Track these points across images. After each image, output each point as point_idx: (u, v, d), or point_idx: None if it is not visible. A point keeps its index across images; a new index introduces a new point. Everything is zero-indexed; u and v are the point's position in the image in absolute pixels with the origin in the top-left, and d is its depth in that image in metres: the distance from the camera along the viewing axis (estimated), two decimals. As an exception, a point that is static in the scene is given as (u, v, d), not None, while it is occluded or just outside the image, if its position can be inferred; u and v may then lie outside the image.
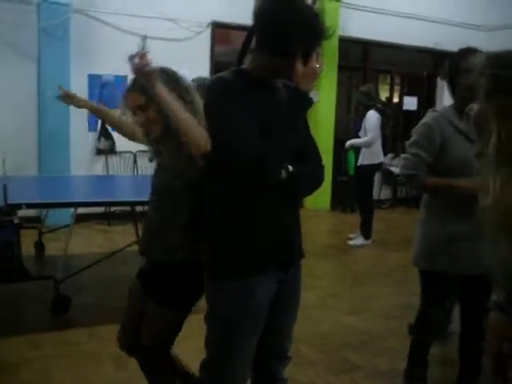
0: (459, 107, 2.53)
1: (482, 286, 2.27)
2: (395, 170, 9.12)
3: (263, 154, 1.72)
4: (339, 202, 8.61)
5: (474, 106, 1.27)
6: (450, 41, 9.16)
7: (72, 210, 6.03)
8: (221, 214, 1.89)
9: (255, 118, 1.77)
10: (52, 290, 4.01)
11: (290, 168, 1.86)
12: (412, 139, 2.61)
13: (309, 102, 1.87)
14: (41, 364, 3.23)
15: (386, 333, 3.92)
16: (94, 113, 2.75)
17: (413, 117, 9.90)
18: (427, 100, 10.05)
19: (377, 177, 7.16)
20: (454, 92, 2.60)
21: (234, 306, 1.88)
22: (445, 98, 9.84)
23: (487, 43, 8.66)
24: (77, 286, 4.31)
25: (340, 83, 8.71)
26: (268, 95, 1.90)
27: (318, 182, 2.05)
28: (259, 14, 1.85)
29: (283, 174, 1.84)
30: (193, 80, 4.96)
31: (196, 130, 1.82)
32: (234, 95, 1.79)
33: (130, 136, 2.57)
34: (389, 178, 9.11)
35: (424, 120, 2.63)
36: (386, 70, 9.74)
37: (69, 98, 2.72)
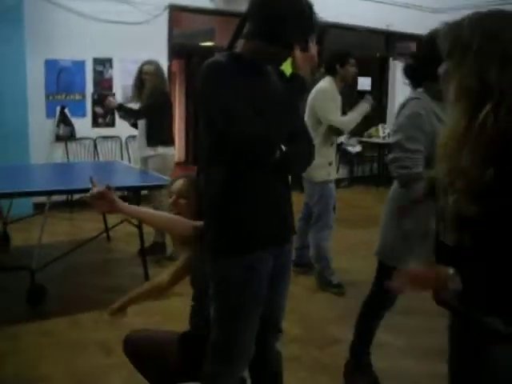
0: (436, 93, 2.23)
1: None
2: (352, 149, 9.34)
3: (260, 135, 1.79)
4: (298, 182, 8.72)
5: (442, 67, 1.49)
6: (401, 22, 9.40)
7: (31, 199, 5.96)
8: (221, 195, 1.94)
9: (252, 100, 1.82)
10: (24, 281, 3.95)
11: (284, 148, 1.94)
12: (405, 134, 2.42)
13: (306, 87, 1.95)
14: (26, 356, 3.21)
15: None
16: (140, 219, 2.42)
17: (367, 97, 10.14)
18: (380, 80, 10.28)
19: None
20: (428, 77, 2.41)
21: (237, 281, 1.95)
22: (397, 79, 10.10)
23: (436, 25, 8.90)
24: (50, 276, 4.27)
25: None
26: (262, 79, 1.98)
27: (308, 160, 2.15)
28: (256, 3, 1.91)
29: (277, 153, 1.92)
30: (144, 63, 4.97)
31: (174, 226, 2.20)
32: (230, 78, 1.84)
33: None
34: (345, 157, 9.30)
35: (412, 109, 2.45)
36: (340, 51, 9.86)
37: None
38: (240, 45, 2.01)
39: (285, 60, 1.99)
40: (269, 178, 1.96)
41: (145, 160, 5.13)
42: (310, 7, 1.91)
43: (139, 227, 4.55)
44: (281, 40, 1.88)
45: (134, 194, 4.95)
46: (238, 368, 2.07)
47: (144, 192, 5.12)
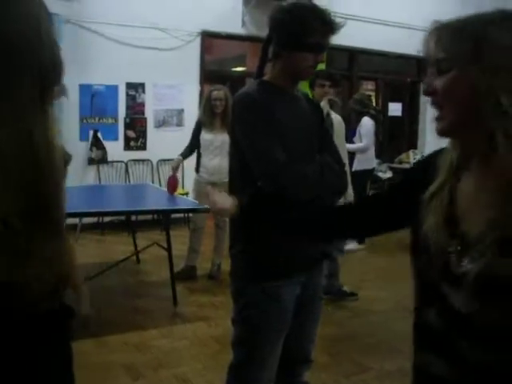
0: None
1: None
2: (382, 175, 9.24)
3: (290, 179, 1.81)
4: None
5: None
6: (433, 48, 9.36)
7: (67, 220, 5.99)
8: (246, 222, 1.91)
9: (283, 132, 1.86)
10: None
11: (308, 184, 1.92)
12: None
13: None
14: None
15: (390, 334, 3.99)
16: None
17: (398, 123, 10.08)
18: (410, 106, 10.21)
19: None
20: None
21: (260, 308, 1.93)
22: (428, 105, 10.00)
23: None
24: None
25: (326, 91, 8.81)
26: (292, 106, 1.98)
27: (340, 191, 2.13)
28: (274, 18, 1.94)
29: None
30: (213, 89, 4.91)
31: None
32: (262, 110, 1.86)
33: None
34: (376, 183, 9.20)
35: None
36: (371, 76, 9.87)
37: None
38: (268, 69, 2.02)
39: (314, 67, 1.96)
40: None
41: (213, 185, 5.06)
42: (326, 11, 1.91)
43: (169, 250, 4.55)
44: (302, 41, 1.87)
45: (164, 217, 4.97)
46: None
47: (174, 215, 5.14)
